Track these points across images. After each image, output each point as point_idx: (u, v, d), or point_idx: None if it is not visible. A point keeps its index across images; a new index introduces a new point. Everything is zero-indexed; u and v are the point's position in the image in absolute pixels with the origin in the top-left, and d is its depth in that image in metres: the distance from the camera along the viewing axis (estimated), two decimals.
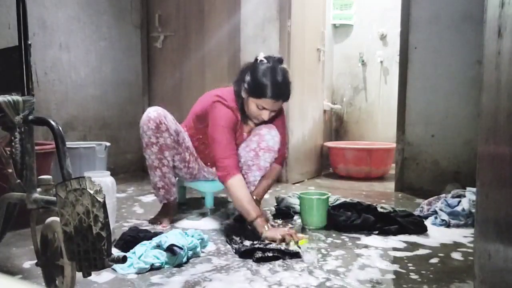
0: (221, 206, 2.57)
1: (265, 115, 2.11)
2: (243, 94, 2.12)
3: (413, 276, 1.54)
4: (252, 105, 2.10)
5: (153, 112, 2.12)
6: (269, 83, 2.03)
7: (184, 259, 1.63)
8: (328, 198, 2.20)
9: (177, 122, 2.28)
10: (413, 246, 1.88)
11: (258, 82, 2.05)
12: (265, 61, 2.09)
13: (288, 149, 3.37)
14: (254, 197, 2.13)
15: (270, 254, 1.68)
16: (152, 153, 2.15)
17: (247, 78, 2.08)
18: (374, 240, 1.94)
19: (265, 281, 1.47)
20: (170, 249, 1.60)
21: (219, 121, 2.09)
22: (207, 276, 1.52)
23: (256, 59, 2.12)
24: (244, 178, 2.14)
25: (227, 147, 2.05)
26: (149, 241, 1.69)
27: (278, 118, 2.28)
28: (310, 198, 2.15)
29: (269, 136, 2.20)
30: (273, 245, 1.75)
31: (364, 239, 1.96)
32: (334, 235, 2.03)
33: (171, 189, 2.25)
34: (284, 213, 2.37)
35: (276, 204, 2.49)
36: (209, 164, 2.38)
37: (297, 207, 2.31)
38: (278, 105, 2.12)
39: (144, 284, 1.45)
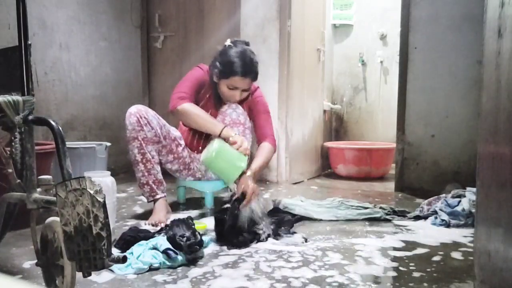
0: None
1: (237, 94, 2.26)
2: (215, 79, 2.28)
3: (414, 275, 1.54)
4: (224, 87, 2.26)
5: (134, 108, 2.22)
6: (236, 61, 2.20)
7: (181, 261, 1.62)
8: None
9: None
10: (412, 245, 1.88)
11: (226, 62, 2.21)
12: (232, 45, 2.27)
13: (288, 148, 3.38)
14: (249, 172, 2.09)
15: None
16: (134, 148, 2.20)
17: (217, 63, 2.25)
18: (373, 239, 1.94)
19: (269, 280, 1.47)
20: (166, 253, 1.60)
21: (187, 76, 2.34)
22: (210, 275, 1.52)
23: (225, 45, 2.29)
24: None
25: (181, 87, 2.26)
26: (146, 241, 1.69)
27: (258, 104, 2.39)
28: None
29: (230, 110, 2.29)
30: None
31: (363, 239, 1.96)
32: (329, 231, 2.03)
33: (157, 187, 2.25)
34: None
35: (273, 206, 2.48)
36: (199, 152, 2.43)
37: (295, 208, 2.30)
38: (247, 83, 2.25)
39: (144, 284, 1.45)
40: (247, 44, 2.32)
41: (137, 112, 2.20)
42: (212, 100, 2.37)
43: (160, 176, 2.28)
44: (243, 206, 1.94)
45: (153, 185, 2.24)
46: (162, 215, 2.19)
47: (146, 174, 2.22)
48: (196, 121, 2.21)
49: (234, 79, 2.21)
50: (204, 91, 2.36)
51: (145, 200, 2.34)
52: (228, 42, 2.30)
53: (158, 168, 2.28)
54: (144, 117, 2.20)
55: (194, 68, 2.39)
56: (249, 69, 2.22)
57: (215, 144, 2.07)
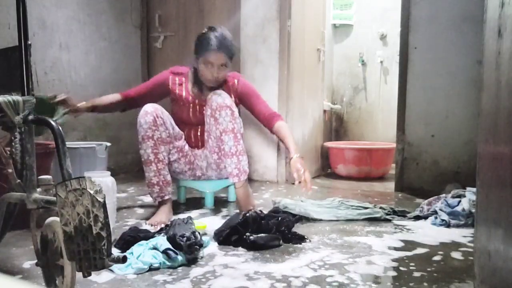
0: (221, 206, 2.57)
1: (214, 70, 2.33)
2: (195, 63, 2.40)
3: (413, 275, 1.54)
4: (201, 65, 2.35)
5: (150, 107, 2.24)
6: (208, 37, 2.32)
7: (181, 261, 1.62)
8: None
9: None
10: (412, 245, 1.88)
11: (201, 41, 2.35)
12: (208, 29, 2.39)
13: None
14: (295, 156, 2.32)
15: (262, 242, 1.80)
16: (148, 147, 2.22)
17: (194, 47, 2.39)
18: (373, 239, 1.94)
19: (269, 279, 1.47)
20: (166, 253, 1.60)
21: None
22: (211, 275, 1.52)
23: (202, 31, 2.41)
24: (221, 150, 2.31)
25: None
26: (146, 241, 1.69)
27: (247, 91, 2.50)
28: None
29: (215, 96, 2.30)
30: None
31: (363, 238, 1.96)
32: (329, 230, 2.03)
33: (165, 187, 2.28)
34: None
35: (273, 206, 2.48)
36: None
37: (295, 208, 2.30)
38: (221, 58, 2.32)
39: (144, 284, 1.45)
40: (222, 28, 2.41)
41: (154, 111, 2.22)
42: (191, 89, 2.45)
43: (169, 177, 2.32)
44: (303, 186, 2.21)
45: (162, 186, 2.27)
46: (165, 216, 2.20)
47: (157, 174, 2.25)
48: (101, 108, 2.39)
49: (208, 53, 2.31)
50: (173, 88, 2.46)
51: (150, 200, 2.35)
52: (205, 29, 2.41)
53: (167, 169, 2.31)
54: (160, 117, 2.24)
55: (163, 72, 2.54)
56: (222, 43, 2.31)
57: None
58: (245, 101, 2.52)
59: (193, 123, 2.45)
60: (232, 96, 2.46)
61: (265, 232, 1.89)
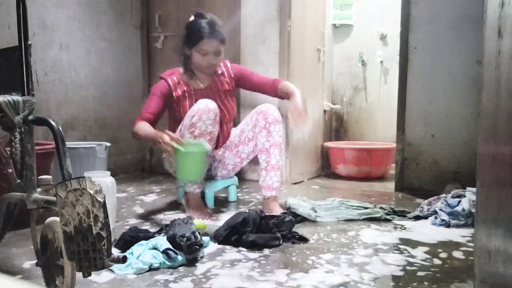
0: (221, 206, 2.57)
1: (210, 58, 2.33)
2: (187, 52, 2.37)
3: (413, 275, 1.54)
4: (196, 55, 2.34)
5: (212, 104, 2.25)
6: (201, 26, 2.31)
7: (181, 261, 1.62)
8: (204, 151, 2.08)
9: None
10: (413, 245, 1.88)
11: (192, 30, 2.34)
12: (195, 16, 2.38)
13: (288, 148, 3.37)
14: (298, 98, 2.31)
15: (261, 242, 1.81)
16: (206, 141, 2.21)
17: (185, 36, 2.37)
18: (373, 239, 1.94)
19: (269, 279, 1.47)
20: (166, 253, 1.60)
21: (150, 91, 2.43)
22: (211, 274, 1.52)
23: (189, 20, 2.40)
24: (264, 162, 2.33)
25: (143, 108, 2.36)
26: (146, 241, 1.69)
27: (241, 71, 2.52)
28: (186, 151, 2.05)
29: (271, 109, 2.35)
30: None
31: (363, 238, 1.96)
32: (330, 230, 2.03)
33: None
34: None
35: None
36: None
37: (299, 208, 2.30)
38: (215, 45, 2.32)
39: (144, 284, 1.45)
40: (209, 15, 2.40)
41: (216, 108, 2.25)
42: (189, 82, 2.43)
43: None
44: (296, 125, 2.22)
45: None
46: (205, 212, 2.32)
47: None
48: (141, 137, 2.29)
49: (202, 42, 2.30)
50: (176, 90, 2.41)
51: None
52: (191, 18, 2.40)
53: None
54: (218, 116, 2.29)
55: (158, 81, 2.46)
56: (214, 29, 2.31)
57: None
58: (243, 81, 2.53)
59: None
60: (229, 82, 2.49)
61: (265, 232, 1.89)
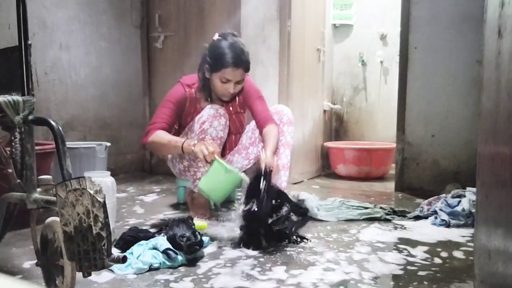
0: (221, 206, 2.56)
1: (230, 87, 2.20)
2: (207, 75, 2.23)
3: (413, 274, 1.54)
4: (216, 80, 2.20)
5: (222, 110, 2.22)
6: (226, 52, 2.14)
7: (181, 261, 1.62)
8: (240, 179, 1.92)
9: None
10: (413, 245, 1.88)
11: (216, 55, 2.16)
12: (221, 38, 2.20)
13: None
14: (268, 153, 2.09)
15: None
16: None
17: (207, 58, 2.20)
18: (373, 239, 1.94)
19: (269, 279, 1.47)
20: (166, 253, 1.60)
21: (167, 96, 2.34)
22: (212, 274, 1.52)
23: (213, 39, 2.23)
24: (278, 161, 2.23)
25: (158, 116, 2.27)
26: (146, 241, 1.69)
27: (250, 91, 2.38)
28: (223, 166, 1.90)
29: (286, 110, 2.38)
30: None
31: (363, 238, 1.96)
32: (330, 230, 2.03)
33: None
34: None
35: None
36: None
37: (307, 201, 2.31)
38: (239, 74, 2.18)
39: (144, 284, 1.45)
40: (234, 35, 2.24)
41: (225, 114, 2.22)
42: (200, 101, 2.33)
43: None
44: (268, 180, 1.91)
45: None
46: (208, 212, 2.32)
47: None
48: (162, 147, 2.19)
49: (225, 71, 2.14)
50: (189, 104, 2.32)
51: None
52: (216, 36, 2.23)
53: None
54: (227, 121, 2.27)
55: (174, 86, 2.36)
56: (240, 59, 2.14)
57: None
58: (246, 101, 2.45)
59: None
60: (241, 105, 2.44)
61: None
